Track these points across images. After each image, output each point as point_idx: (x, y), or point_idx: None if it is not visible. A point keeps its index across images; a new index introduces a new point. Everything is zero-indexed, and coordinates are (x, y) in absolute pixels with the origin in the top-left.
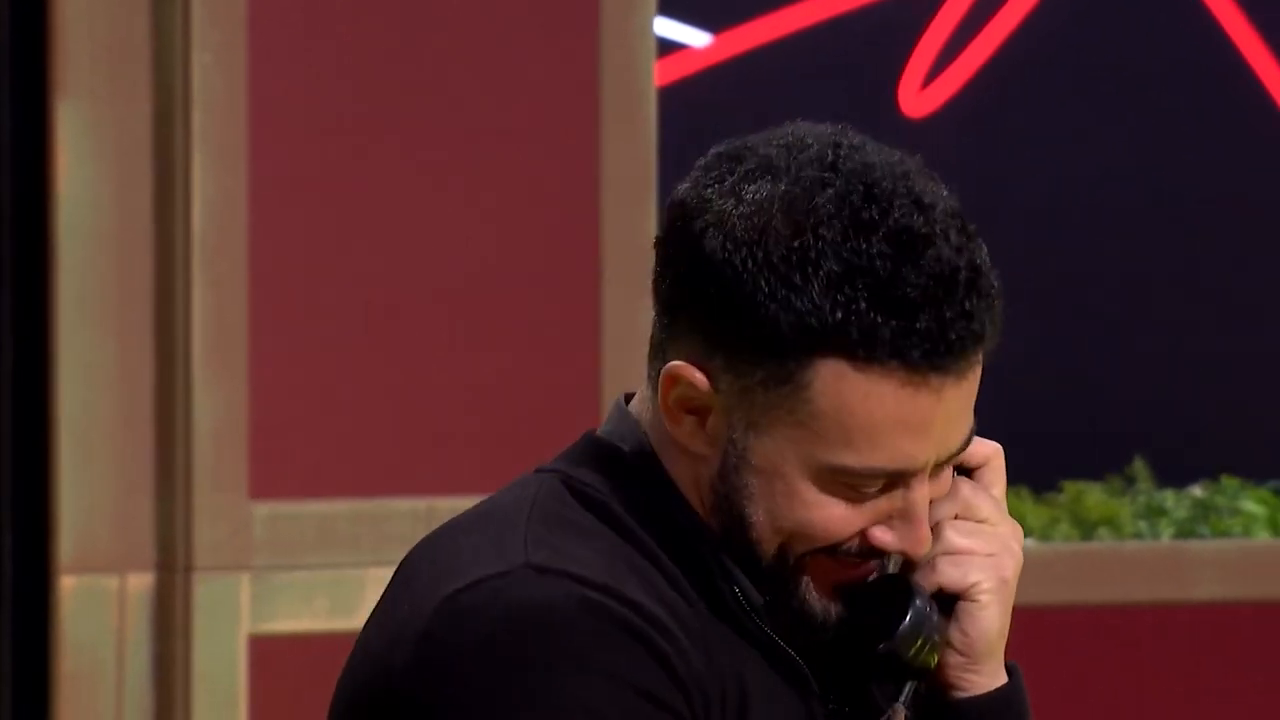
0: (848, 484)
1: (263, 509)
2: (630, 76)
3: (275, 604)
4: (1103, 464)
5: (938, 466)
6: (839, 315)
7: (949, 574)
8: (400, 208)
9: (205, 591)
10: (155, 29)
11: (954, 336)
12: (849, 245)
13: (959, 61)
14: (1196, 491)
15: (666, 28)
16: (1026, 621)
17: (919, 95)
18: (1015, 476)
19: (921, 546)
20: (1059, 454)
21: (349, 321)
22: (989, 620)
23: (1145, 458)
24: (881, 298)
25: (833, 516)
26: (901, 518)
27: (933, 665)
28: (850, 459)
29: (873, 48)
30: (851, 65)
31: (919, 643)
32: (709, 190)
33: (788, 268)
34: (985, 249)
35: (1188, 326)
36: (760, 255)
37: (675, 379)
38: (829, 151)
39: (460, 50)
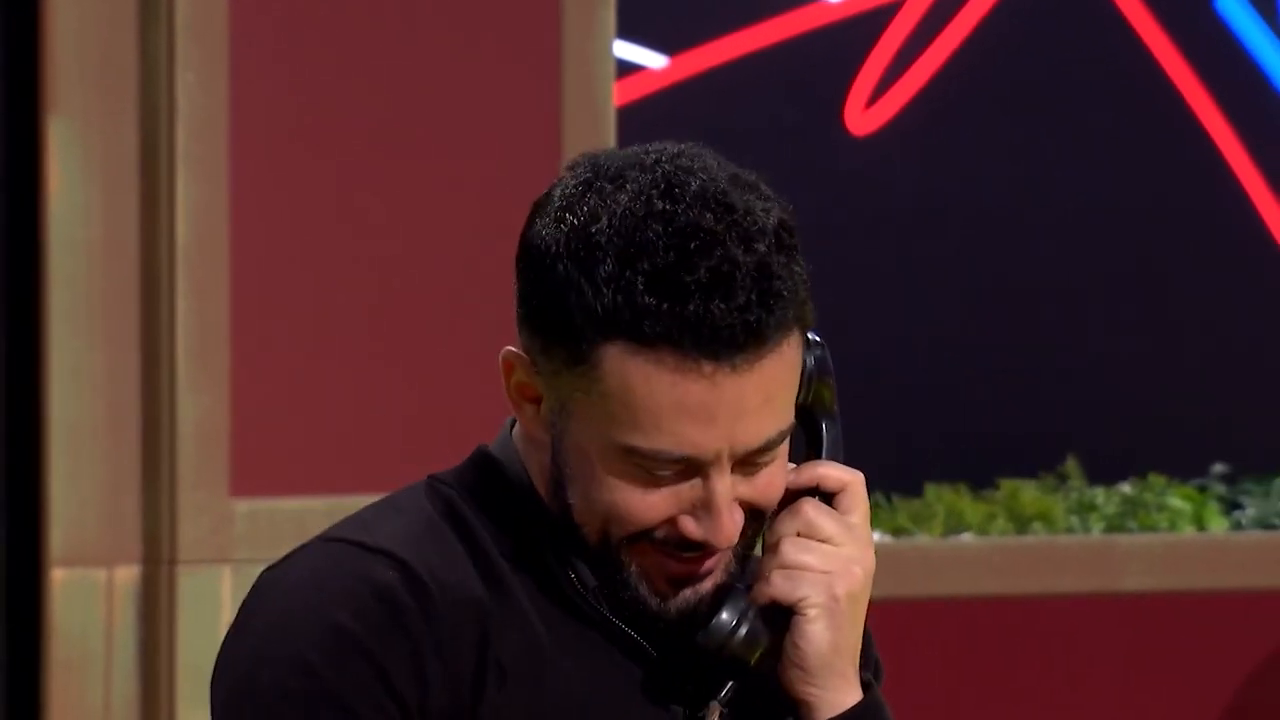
0: (641, 465)
1: (243, 505)
2: (591, 96)
3: None
4: (1037, 463)
5: (747, 465)
6: (619, 299)
7: (780, 587)
8: (373, 219)
9: (189, 583)
10: (141, 49)
11: (723, 325)
12: (637, 235)
13: (901, 82)
14: (1125, 488)
15: (625, 50)
16: (965, 611)
17: (864, 114)
18: (956, 474)
19: (722, 536)
20: (996, 453)
21: (326, 327)
22: (818, 635)
23: (1077, 457)
24: (658, 283)
25: (635, 500)
26: (704, 507)
27: (750, 661)
28: (638, 440)
29: (820, 69)
30: (800, 86)
31: (729, 636)
32: (555, 189)
33: (582, 253)
34: (801, 267)
35: (1117, 335)
36: (561, 241)
37: (509, 365)
38: (663, 158)
39: (431, 70)
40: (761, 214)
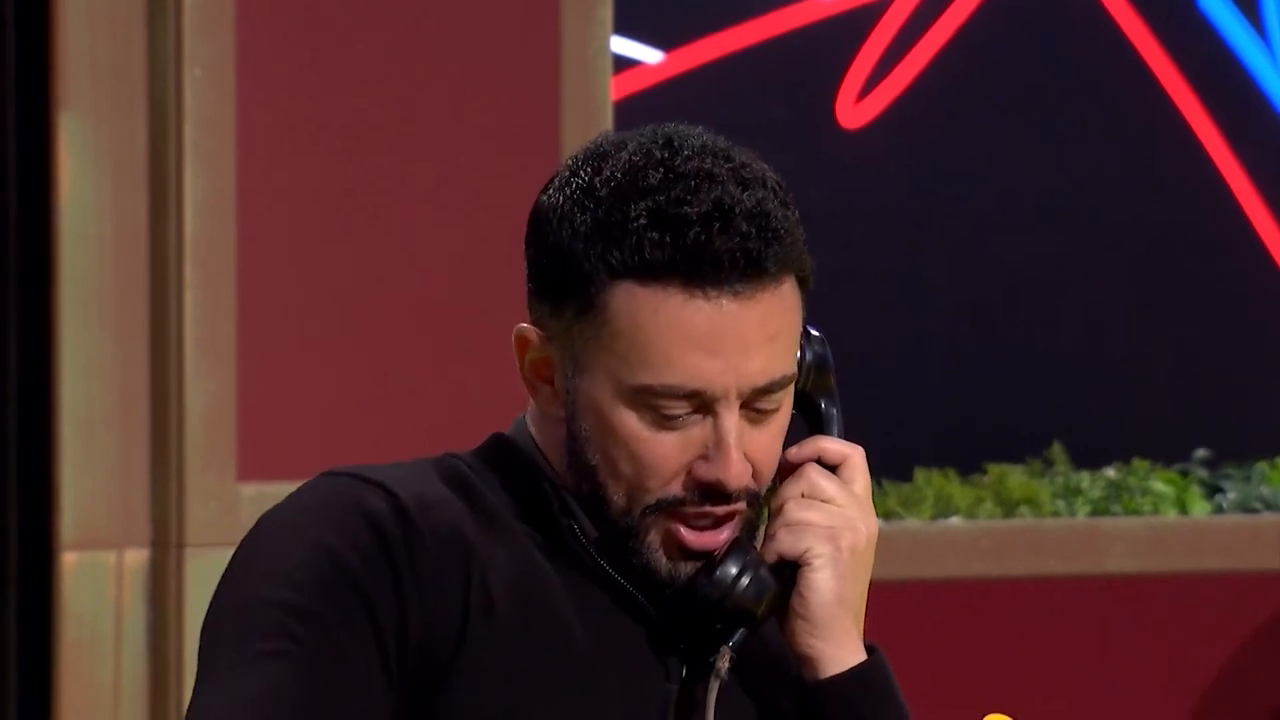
0: (652, 406)
1: (250, 489)
2: (588, 91)
3: None
4: (1024, 448)
5: (752, 410)
6: (623, 238)
7: (785, 541)
8: (377, 212)
9: (196, 566)
10: (150, 46)
11: (723, 251)
12: (639, 180)
13: (891, 77)
14: (1110, 473)
15: (622, 46)
16: (953, 593)
17: (855, 108)
18: (944, 460)
19: (732, 474)
20: (984, 439)
21: (330, 316)
22: (823, 584)
23: (1063, 442)
24: (659, 218)
25: (649, 445)
26: (715, 447)
27: (757, 613)
28: (649, 377)
29: (812, 64)
30: (793, 80)
31: (734, 584)
32: (562, 165)
33: (588, 203)
34: (797, 221)
35: (1102, 324)
36: (565, 201)
37: (522, 340)
38: (666, 126)
39: (432, 65)
40: (759, 169)
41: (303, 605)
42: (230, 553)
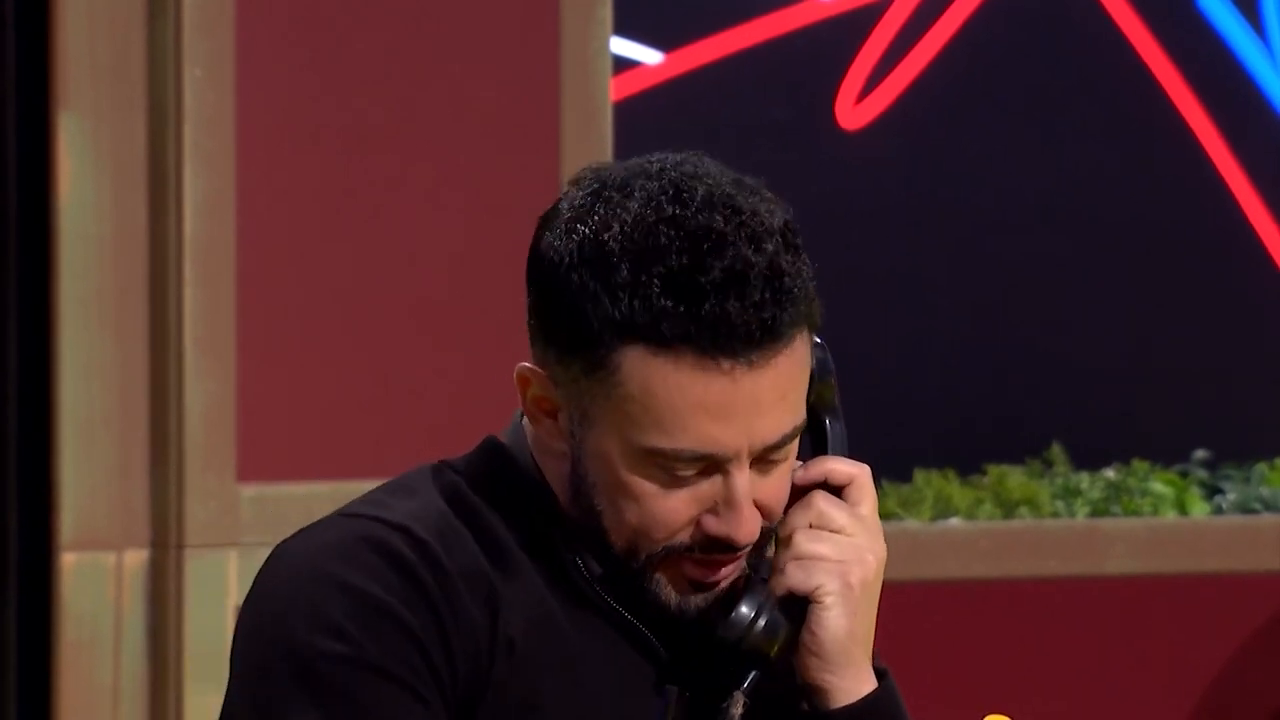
0: (663, 467)
1: (249, 490)
2: (588, 92)
3: None
4: (1024, 449)
5: (763, 462)
6: (635, 303)
7: (795, 577)
8: (377, 212)
9: (196, 567)
10: (149, 46)
11: (739, 323)
12: (650, 240)
13: (891, 77)
14: (1109, 474)
15: (622, 46)
16: (953, 594)
17: (855, 108)
18: (944, 461)
19: (743, 532)
20: (984, 440)
21: (330, 316)
22: (834, 621)
23: (1063, 443)
24: (672, 285)
25: (658, 503)
26: (726, 504)
27: (770, 654)
28: (661, 441)
29: (812, 64)
30: (792, 81)
31: (750, 627)
32: (562, 203)
33: (596, 260)
34: (807, 266)
35: (1102, 325)
36: (573, 252)
37: (525, 380)
38: (668, 165)
39: (432, 65)
40: (767, 215)
41: (359, 656)
42: (230, 553)
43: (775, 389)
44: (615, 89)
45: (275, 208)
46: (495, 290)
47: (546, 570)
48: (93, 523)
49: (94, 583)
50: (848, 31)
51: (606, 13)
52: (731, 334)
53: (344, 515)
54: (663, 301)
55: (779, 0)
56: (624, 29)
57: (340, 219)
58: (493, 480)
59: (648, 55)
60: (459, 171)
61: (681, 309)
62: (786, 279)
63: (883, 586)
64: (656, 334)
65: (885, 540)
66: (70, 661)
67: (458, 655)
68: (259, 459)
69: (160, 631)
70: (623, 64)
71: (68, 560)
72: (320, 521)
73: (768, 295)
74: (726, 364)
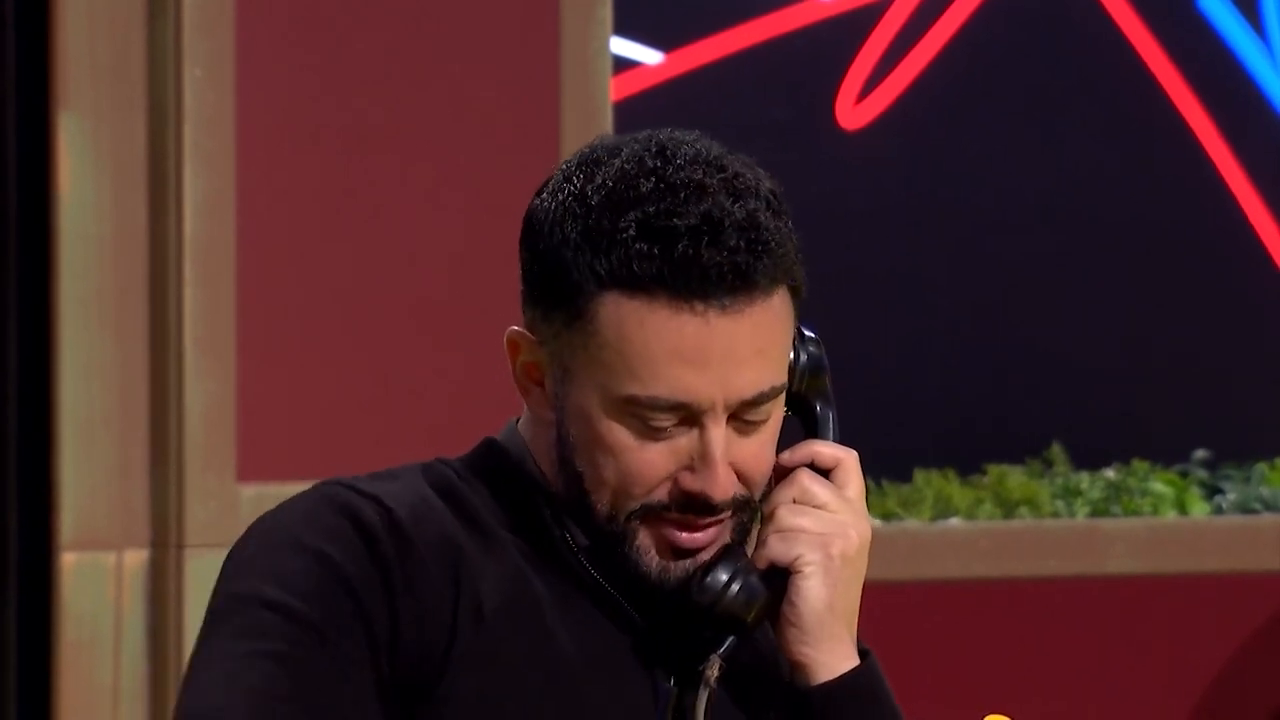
0: (639, 417)
1: (249, 490)
2: (588, 91)
3: None
4: (1024, 449)
5: (740, 421)
6: (611, 248)
7: (776, 548)
8: (377, 211)
9: (196, 567)
10: (149, 46)
11: (711, 265)
12: (630, 190)
13: (891, 78)
14: (1109, 474)
15: (622, 46)
16: (953, 594)
17: (855, 108)
18: (944, 461)
19: (717, 488)
20: (984, 440)
21: (330, 317)
22: (814, 591)
23: (1062, 443)
24: (647, 229)
25: (635, 455)
26: (701, 459)
27: (747, 619)
28: (636, 388)
29: (812, 64)
30: (792, 81)
31: (724, 591)
32: (556, 170)
33: (578, 210)
34: (790, 231)
35: (1102, 325)
36: (557, 208)
37: (514, 345)
38: (660, 132)
39: (432, 65)
40: (752, 179)
41: (302, 613)
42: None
43: (751, 341)
44: (615, 89)
45: (275, 208)
46: (495, 290)
47: (529, 545)
48: (93, 523)
49: (94, 583)
50: (848, 31)
51: (606, 13)
52: (704, 276)
53: (322, 484)
54: (637, 245)
55: (779, 0)
56: (624, 29)
57: (340, 219)
58: (484, 470)
59: (648, 55)
60: (459, 171)
61: (655, 250)
62: (764, 232)
63: (883, 586)
64: (630, 276)
65: (885, 540)
66: (70, 661)
67: (405, 625)
68: (259, 459)
69: (160, 631)
70: (623, 64)
71: (68, 560)
72: (305, 490)
73: (742, 243)
74: (700, 306)
